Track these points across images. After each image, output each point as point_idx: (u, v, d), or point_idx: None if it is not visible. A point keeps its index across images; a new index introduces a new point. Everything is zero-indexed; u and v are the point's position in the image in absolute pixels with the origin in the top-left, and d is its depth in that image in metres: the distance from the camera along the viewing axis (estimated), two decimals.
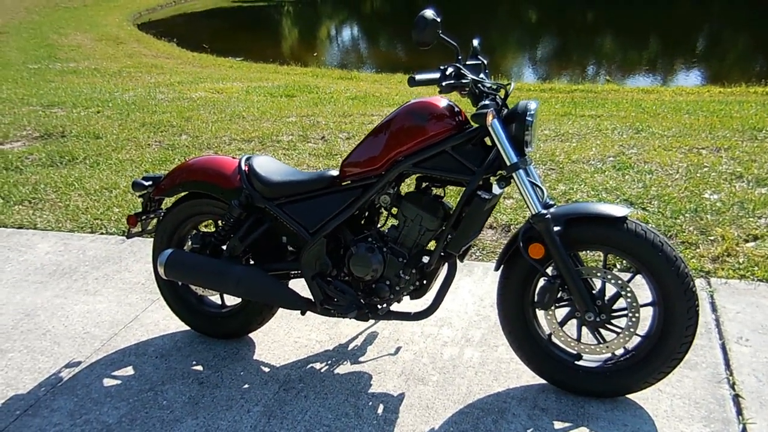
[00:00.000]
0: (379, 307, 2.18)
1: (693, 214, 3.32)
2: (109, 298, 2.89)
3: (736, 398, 2.04)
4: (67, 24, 15.66)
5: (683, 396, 2.06)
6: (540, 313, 2.09)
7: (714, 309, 2.53)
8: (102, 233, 3.62)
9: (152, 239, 2.56)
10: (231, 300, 2.55)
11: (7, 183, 4.40)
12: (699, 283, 2.72)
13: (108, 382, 2.30)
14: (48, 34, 13.83)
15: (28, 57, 10.92)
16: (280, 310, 2.58)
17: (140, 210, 2.55)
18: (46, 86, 8.09)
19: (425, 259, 2.11)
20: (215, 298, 2.57)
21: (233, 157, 2.40)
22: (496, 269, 2.08)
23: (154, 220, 2.58)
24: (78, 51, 11.72)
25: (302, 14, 22.35)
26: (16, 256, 3.37)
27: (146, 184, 2.47)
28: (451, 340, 2.44)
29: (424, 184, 2.13)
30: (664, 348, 1.92)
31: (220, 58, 11.60)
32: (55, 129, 5.72)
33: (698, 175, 3.87)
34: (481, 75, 2.04)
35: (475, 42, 2.10)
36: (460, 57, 1.98)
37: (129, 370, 2.36)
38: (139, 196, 2.54)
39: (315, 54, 13.98)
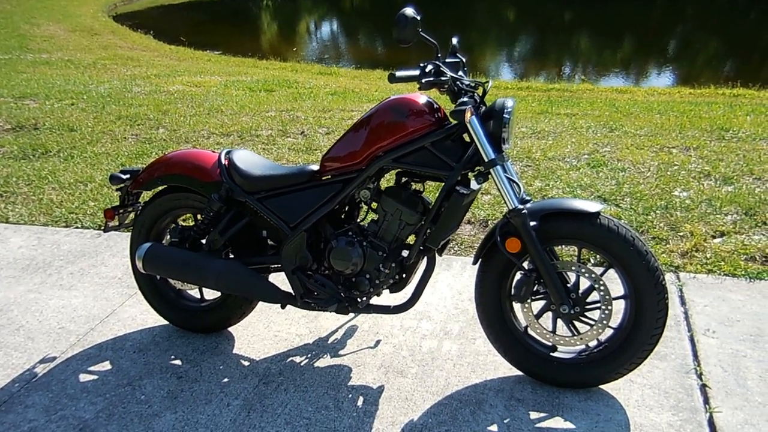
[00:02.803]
0: (359, 300, 2.20)
1: (663, 211, 3.41)
2: (85, 292, 2.86)
3: (704, 388, 2.11)
4: (40, 14, 15.30)
5: (653, 386, 2.12)
6: (516, 306, 2.14)
7: (683, 302, 2.61)
8: (77, 227, 3.58)
9: (130, 233, 2.54)
10: (210, 294, 2.55)
11: None
12: (669, 277, 2.80)
13: (84, 377, 2.28)
14: (19, 24, 13.50)
15: None
16: (260, 303, 2.59)
17: (117, 203, 2.53)
18: (17, 77, 7.90)
19: (405, 253, 2.14)
20: (194, 292, 2.56)
21: (213, 151, 2.39)
22: (474, 263, 2.12)
23: (132, 214, 2.56)
24: (51, 42, 11.48)
25: (282, 8, 22.19)
26: None
27: (124, 177, 2.45)
28: (430, 333, 2.48)
29: (403, 179, 2.15)
30: (635, 339, 1.98)
31: (198, 52, 11.47)
32: (27, 121, 5.61)
33: (669, 173, 3.97)
34: (460, 72, 2.08)
35: (454, 40, 2.13)
36: (439, 55, 2.01)
37: (106, 365, 2.35)
38: (117, 190, 2.53)
39: (294, 49, 13.92)
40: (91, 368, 2.33)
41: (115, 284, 2.93)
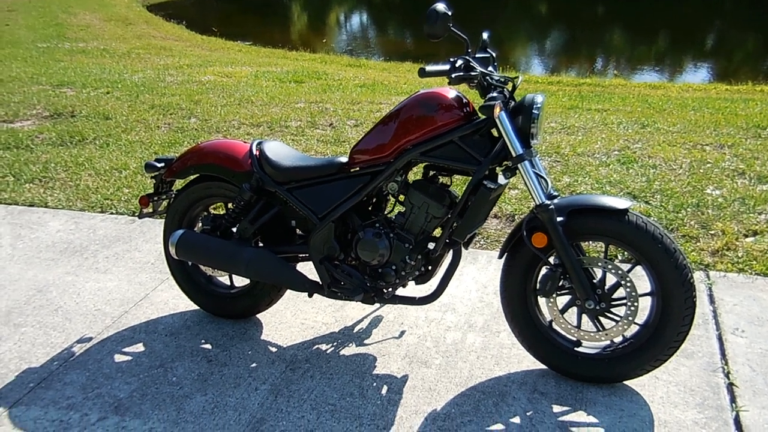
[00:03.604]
0: (385, 291, 2.23)
1: (695, 209, 3.36)
2: (120, 276, 2.96)
3: (731, 387, 2.09)
4: (76, 3, 15.63)
5: (679, 383, 2.12)
6: (541, 301, 2.15)
7: (712, 301, 2.58)
8: (112, 213, 3.68)
9: (163, 220, 2.62)
10: (240, 281, 2.61)
11: (18, 161, 4.46)
12: (698, 275, 2.77)
13: (119, 357, 2.37)
14: (57, 13, 13.82)
15: (37, 36, 10.94)
16: (288, 292, 2.64)
17: (152, 191, 2.60)
18: (55, 66, 8.12)
19: (431, 246, 2.17)
20: (224, 278, 2.62)
21: (244, 142, 2.44)
22: (500, 257, 2.14)
23: (166, 202, 2.63)
24: (87, 31, 11.74)
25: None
26: (28, 233, 3.43)
27: (158, 165, 2.52)
28: (455, 325, 2.50)
29: (431, 173, 2.17)
30: (662, 337, 1.97)
31: (229, 42, 11.60)
32: (64, 109, 5.77)
33: (701, 170, 3.90)
34: (490, 68, 2.08)
35: (485, 35, 2.14)
36: (469, 50, 2.02)
37: (139, 347, 2.43)
38: (151, 178, 2.60)
39: (324, 40, 13.97)
40: (126, 349, 2.42)
41: (148, 269, 3.02)
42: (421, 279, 2.23)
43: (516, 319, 2.16)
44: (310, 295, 2.40)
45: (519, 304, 2.14)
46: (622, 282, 1.99)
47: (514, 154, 1.96)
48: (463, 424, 1.98)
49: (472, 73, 1.96)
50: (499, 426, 1.97)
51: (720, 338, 2.34)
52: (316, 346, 2.41)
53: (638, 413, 1.99)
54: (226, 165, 2.38)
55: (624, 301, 2.01)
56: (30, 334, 2.52)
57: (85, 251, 3.21)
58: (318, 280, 2.31)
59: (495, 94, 1.99)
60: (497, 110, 1.93)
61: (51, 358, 2.37)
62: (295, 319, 2.59)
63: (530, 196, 2.08)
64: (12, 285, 2.89)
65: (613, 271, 2.00)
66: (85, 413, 2.08)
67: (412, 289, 2.42)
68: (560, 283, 2.04)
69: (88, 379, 2.25)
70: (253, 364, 2.31)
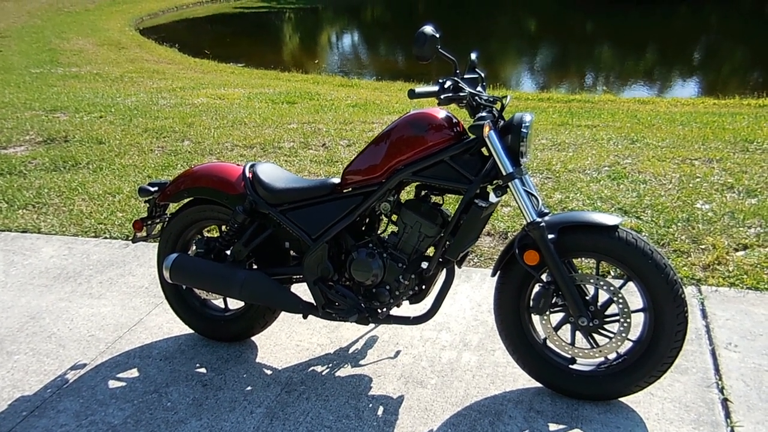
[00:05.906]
0: (379, 311, 2.23)
1: (685, 224, 3.39)
2: (114, 301, 2.95)
3: (725, 402, 2.10)
4: (69, 28, 15.75)
5: (674, 399, 2.12)
6: (535, 318, 2.16)
7: (704, 315, 2.60)
8: (106, 237, 3.68)
9: (157, 244, 2.62)
10: (234, 303, 2.61)
11: (11, 187, 4.45)
12: (690, 290, 2.79)
13: (113, 383, 2.35)
14: (50, 39, 13.91)
15: (31, 61, 11.00)
16: (282, 313, 2.64)
17: (145, 215, 2.61)
18: (48, 91, 8.15)
19: (424, 265, 2.18)
20: (218, 301, 2.62)
21: (237, 164, 2.46)
22: (493, 275, 2.15)
23: (159, 225, 2.64)
24: (80, 56, 11.80)
25: (303, 21, 22.48)
26: (21, 259, 3.42)
27: (152, 189, 2.53)
28: (450, 344, 2.50)
29: (423, 192, 2.19)
30: (655, 352, 1.98)
31: (222, 64, 11.69)
32: (58, 134, 5.78)
33: (691, 185, 3.94)
34: (479, 88, 2.11)
35: (473, 55, 2.17)
36: (458, 71, 2.05)
37: (134, 372, 2.42)
38: (145, 202, 2.61)
39: (316, 61, 14.08)
40: (120, 375, 2.40)
41: (142, 293, 3.01)
42: (415, 298, 2.24)
43: (510, 337, 2.16)
44: (305, 317, 2.40)
45: (513, 322, 2.14)
46: (615, 298, 2.01)
47: (504, 173, 1.98)
48: None
49: (461, 94, 2.00)
50: None
51: (713, 353, 2.35)
52: (312, 368, 2.40)
53: (634, 430, 1.99)
54: (219, 188, 2.39)
55: (617, 318, 2.02)
56: (23, 362, 2.50)
57: (79, 276, 3.20)
58: (312, 301, 2.32)
59: (484, 114, 2.02)
60: (486, 130, 1.95)
61: (44, 386, 2.35)
62: (289, 340, 2.58)
63: (521, 214, 2.10)
64: (5, 312, 2.88)
65: (605, 287, 2.01)
66: None
67: (406, 309, 2.42)
68: (553, 301, 2.05)
69: (82, 406, 2.24)
70: (249, 387, 2.30)
